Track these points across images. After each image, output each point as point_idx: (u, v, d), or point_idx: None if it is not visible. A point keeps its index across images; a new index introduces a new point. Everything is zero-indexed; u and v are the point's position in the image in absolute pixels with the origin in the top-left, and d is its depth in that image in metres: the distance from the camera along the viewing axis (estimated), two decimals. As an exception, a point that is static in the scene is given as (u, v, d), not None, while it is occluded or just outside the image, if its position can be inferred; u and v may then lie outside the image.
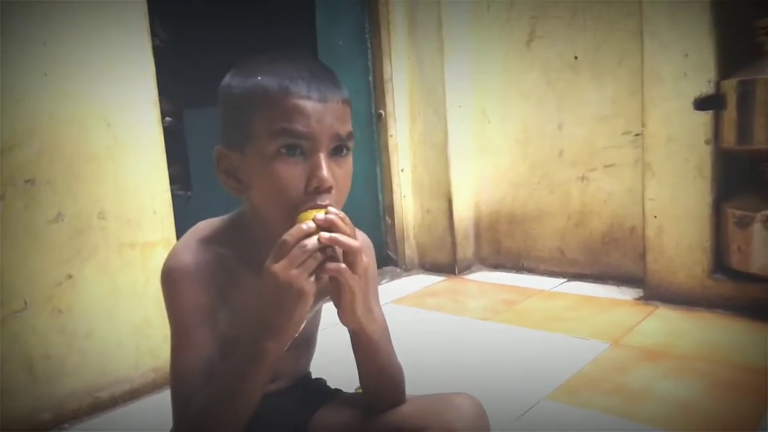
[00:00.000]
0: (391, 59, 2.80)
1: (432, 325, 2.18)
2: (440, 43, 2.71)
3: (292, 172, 0.78)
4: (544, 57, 2.60)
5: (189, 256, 0.85)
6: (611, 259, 2.54)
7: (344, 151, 0.82)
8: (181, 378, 0.83)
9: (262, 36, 3.03)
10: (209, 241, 0.87)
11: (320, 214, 0.75)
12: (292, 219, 0.77)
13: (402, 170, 2.88)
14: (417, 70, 2.81)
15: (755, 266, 1.97)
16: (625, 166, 2.44)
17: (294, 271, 0.72)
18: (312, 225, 0.73)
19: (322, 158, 0.78)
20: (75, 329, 1.62)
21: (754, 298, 2.00)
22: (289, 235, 0.73)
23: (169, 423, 0.86)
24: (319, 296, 0.97)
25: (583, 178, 2.57)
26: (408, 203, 2.92)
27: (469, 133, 2.85)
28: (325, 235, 0.73)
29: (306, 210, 0.77)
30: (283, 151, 0.78)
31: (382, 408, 0.94)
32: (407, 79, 2.84)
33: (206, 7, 3.47)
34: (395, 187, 2.89)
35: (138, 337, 1.74)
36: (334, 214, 0.75)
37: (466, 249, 2.88)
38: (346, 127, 0.81)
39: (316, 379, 1.09)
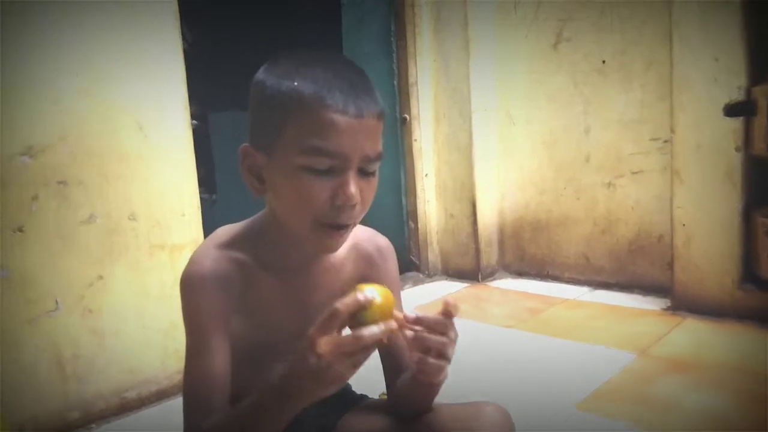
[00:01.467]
0: (416, 62, 2.80)
1: (455, 330, 2.17)
2: (466, 45, 2.70)
3: (318, 187, 0.77)
4: (571, 60, 2.58)
5: (206, 264, 0.85)
6: (638, 267, 2.51)
7: (371, 170, 0.81)
8: (195, 385, 0.83)
9: (288, 39, 3.05)
10: (227, 246, 0.87)
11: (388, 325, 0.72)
12: (314, 230, 0.79)
13: (426, 175, 2.88)
14: (442, 73, 2.80)
15: (787, 276, 1.93)
16: (653, 173, 2.41)
17: (340, 357, 0.70)
18: (368, 296, 0.71)
19: (351, 176, 0.78)
20: (104, 329, 1.64)
21: (786, 309, 1.96)
22: (343, 304, 0.70)
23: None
24: None
25: (609, 184, 2.55)
26: (431, 208, 2.92)
27: (494, 137, 2.84)
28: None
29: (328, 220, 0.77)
30: (312, 166, 0.77)
31: (408, 415, 0.93)
32: (432, 83, 2.84)
33: (233, 10, 3.51)
34: (419, 192, 2.89)
35: (165, 338, 1.76)
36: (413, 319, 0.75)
37: (489, 255, 2.87)
38: (377, 147, 0.80)
39: (341, 384, 1.09)
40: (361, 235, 0.98)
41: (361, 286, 0.75)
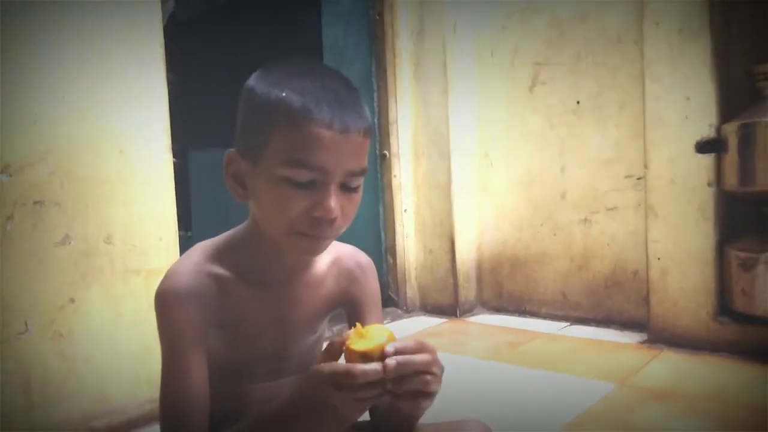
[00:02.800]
0: (396, 102, 2.85)
1: (434, 364, 2.15)
2: (445, 87, 2.76)
3: (298, 198, 0.77)
4: (546, 102, 2.65)
5: (183, 280, 0.83)
6: (614, 303, 2.53)
7: (354, 185, 0.81)
8: (172, 407, 0.82)
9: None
10: (205, 261, 0.86)
11: (392, 361, 0.70)
12: (290, 236, 0.79)
13: (405, 210, 2.90)
14: (422, 113, 2.86)
15: (760, 308, 1.96)
16: (628, 209, 2.46)
17: (350, 399, 0.71)
18: (391, 365, 0.69)
19: (332, 191, 0.78)
20: (75, 354, 1.59)
21: (759, 341, 1.98)
22: (362, 372, 0.69)
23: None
24: (315, 322, 0.96)
25: (585, 220, 2.59)
26: (410, 243, 2.92)
27: (473, 176, 2.88)
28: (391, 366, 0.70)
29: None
30: (293, 178, 0.77)
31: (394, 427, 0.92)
32: (412, 122, 2.89)
33: (215, 52, 3.55)
34: (398, 227, 2.89)
35: (137, 365, 1.71)
36: (401, 352, 0.72)
37: (468, 291, 2.87)
38: (361, 163, 0.80)
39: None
40: (343, 252, 0.98)
41: (360, 328, 0.76)
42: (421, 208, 2.90)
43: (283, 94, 0.77)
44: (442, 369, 0.75)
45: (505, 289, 2.85)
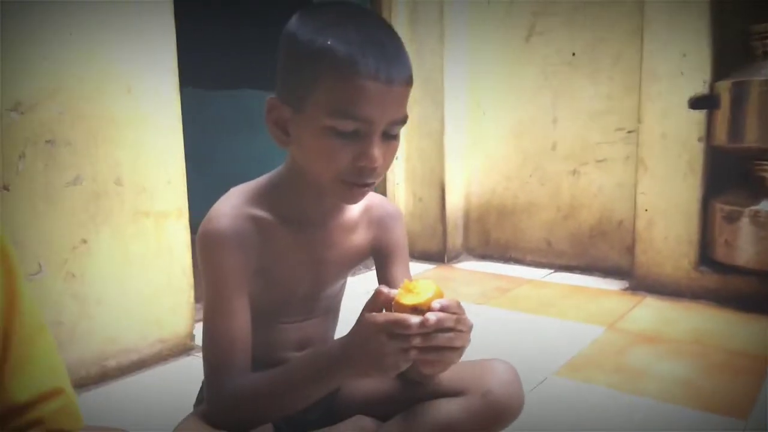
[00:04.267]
0: (391, 48, 2.82)
1: (429, 307, 2.22)
2: (441, 35, 2.75)
3: (342, 148, 0.79)
4: (542, 52, 2.67)
5: (226, 222, 0.85)
6: (598, 251, 2.63)
7: (395, 132, 0.83)
8: (216, 345, 0.85)
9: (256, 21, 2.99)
10: (244, 204, 0.88)
11: (432, 316, 0.73)
12: (336, 184, 0.81)
13: (396, 158, 2.91)
14: (416, 59, 2.84)
15: (741, 259, 2.07)
16: (617, 161, 2.53)
17: (400, 350, 0.74)
18: (432, 319, 0.73)
19: (375, 140, 0.79)
20: (87, 295, 1.60)
21: (738, 290, 2.10)
22: (416, 324, 0.73)
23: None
24: (346, 267, 0.99)
25: (574, 171, 2.65)
26: (400, 191, 2.96)
27: (464, 125, 2.91)
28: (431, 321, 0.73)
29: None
30: (339, 128, 0.78)
31: (417, 377, 0.96)
32: (405, 69, 2.86)
33: (202, 13, 3.43)
34: (388, 175, 2.92)
35: (147, 306, 1.73)
36: (444, 310, 0.75)
37: (455, 238, 2.94)
38: (403, 111, 0.82)
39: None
40: (373, 201, 1.01)
41: (409, 283, 0.79)
42: (412, 157, 2.93)
43: (328, 43, 0.77)
44: (469, 326, 0.79)
45: (491, 236, 2.93)
